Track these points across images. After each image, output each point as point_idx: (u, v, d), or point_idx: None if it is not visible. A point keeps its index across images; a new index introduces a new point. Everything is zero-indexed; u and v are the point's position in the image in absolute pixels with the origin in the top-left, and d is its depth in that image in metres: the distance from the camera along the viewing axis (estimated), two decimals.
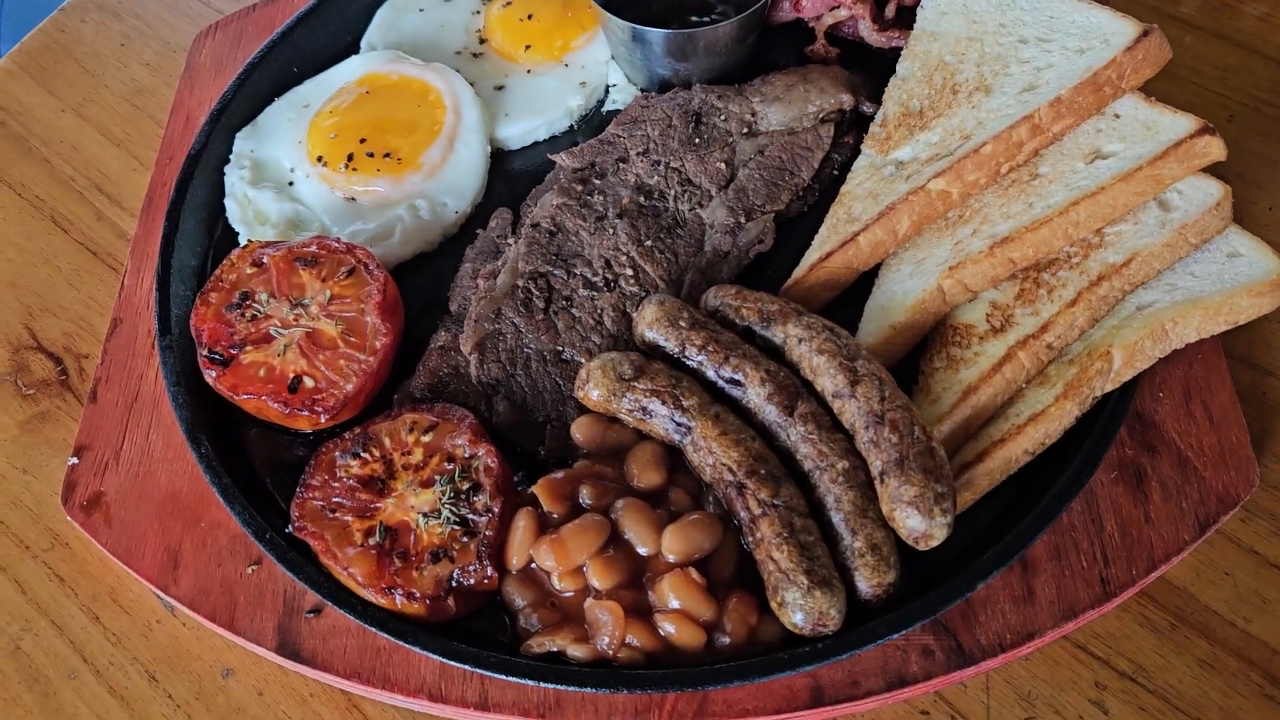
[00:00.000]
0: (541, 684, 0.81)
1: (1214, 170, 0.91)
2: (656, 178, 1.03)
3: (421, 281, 1.04)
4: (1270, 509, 0.91)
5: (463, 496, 0.87)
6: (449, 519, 0.86)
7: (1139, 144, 0.91)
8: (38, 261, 1.13)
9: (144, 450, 0.97)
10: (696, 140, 1.05)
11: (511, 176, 1.11)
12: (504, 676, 0.81)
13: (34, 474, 1.00)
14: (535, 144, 1.13)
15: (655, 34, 1.07)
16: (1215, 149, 0.89)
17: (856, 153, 1.06)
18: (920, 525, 0.81)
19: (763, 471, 0.85)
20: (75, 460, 0.97)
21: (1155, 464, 0.91)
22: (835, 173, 1.07)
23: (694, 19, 1.11)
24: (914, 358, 0.96)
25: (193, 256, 1.06)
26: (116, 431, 0.98)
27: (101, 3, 1.34)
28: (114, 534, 0.93)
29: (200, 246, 1.07)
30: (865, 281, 0.99)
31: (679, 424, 0.88)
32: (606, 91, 1.15)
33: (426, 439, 0.90)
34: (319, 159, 1.07)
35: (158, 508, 0.94)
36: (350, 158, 1.06)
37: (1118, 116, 0.94)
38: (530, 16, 1.15)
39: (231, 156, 1.10)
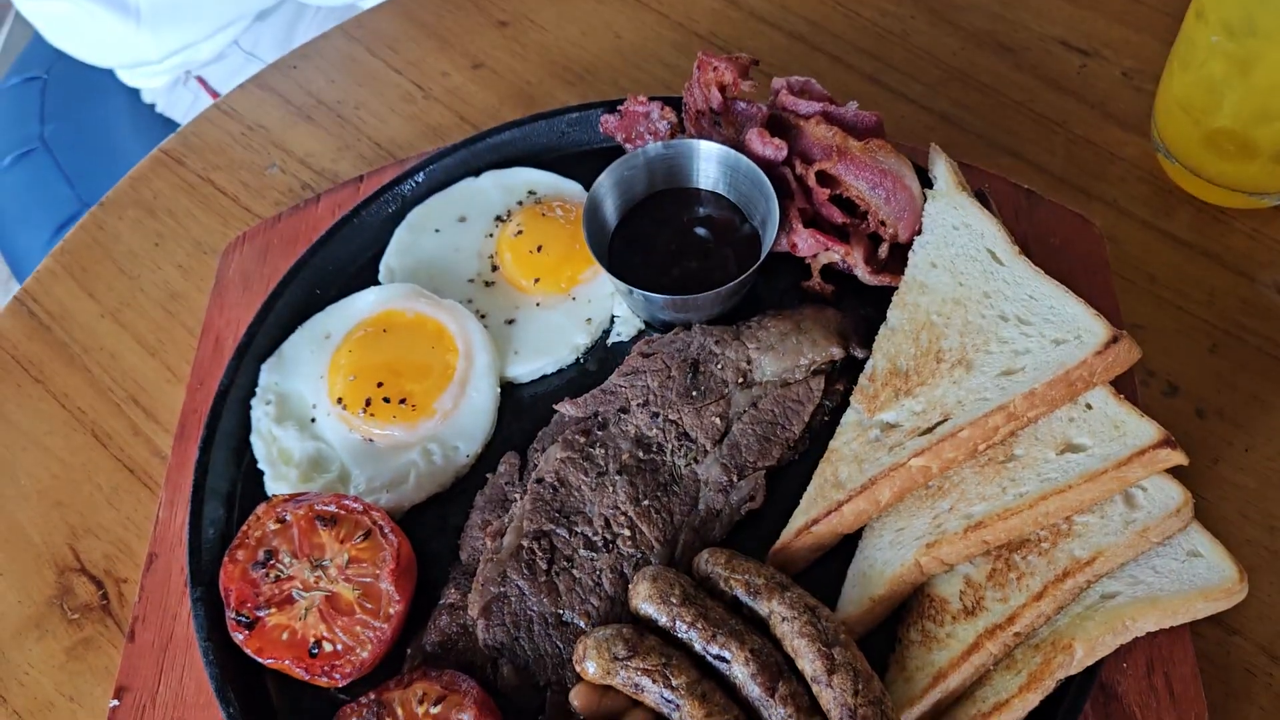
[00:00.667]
0: None
1: (1178, 472, 0.96)
2: (655, 430, 1.09)
3: (432, 524, 1.11)
4: None
5: None
6: None
7: (1107, 443, 0.96)
8: (80, 479, 1.21)
9: (178, 694, 1.05)
10: (694, 392, 1.10)
11: (521, 410, 1.17)
12: None
13: (79, 702, 1.09)
14: (544, 376, 1.19)
15: (655, 297, 1.12)
16: (1176, 457, 0.94)
17: (845, 402, 1.11)
18: None
19: None
20: (116, 703, 1.05)
21: None
22: (826, 419, 1.12)
23: (694, 264, 1.16)
24: (893, 621, 1.02)
25: (224, 483, 1.13)
26: (153, 674, 1.07)
27: (137, 198, 1.41)
28: None
29: (229, 478, 1.14)
30: (848, 540, 1.06)
31: (668, 700, 0.95)
32: (611, 322, 1.21)
33: (435, 710, 0.97)
34: (339, 400, 1.14)
35: None
36: (368, 403, 1.13)
37: (1089, 407, 0.99)
38: (540, 249, 1.20)
39: (258, 390, 1.17)
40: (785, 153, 1.15)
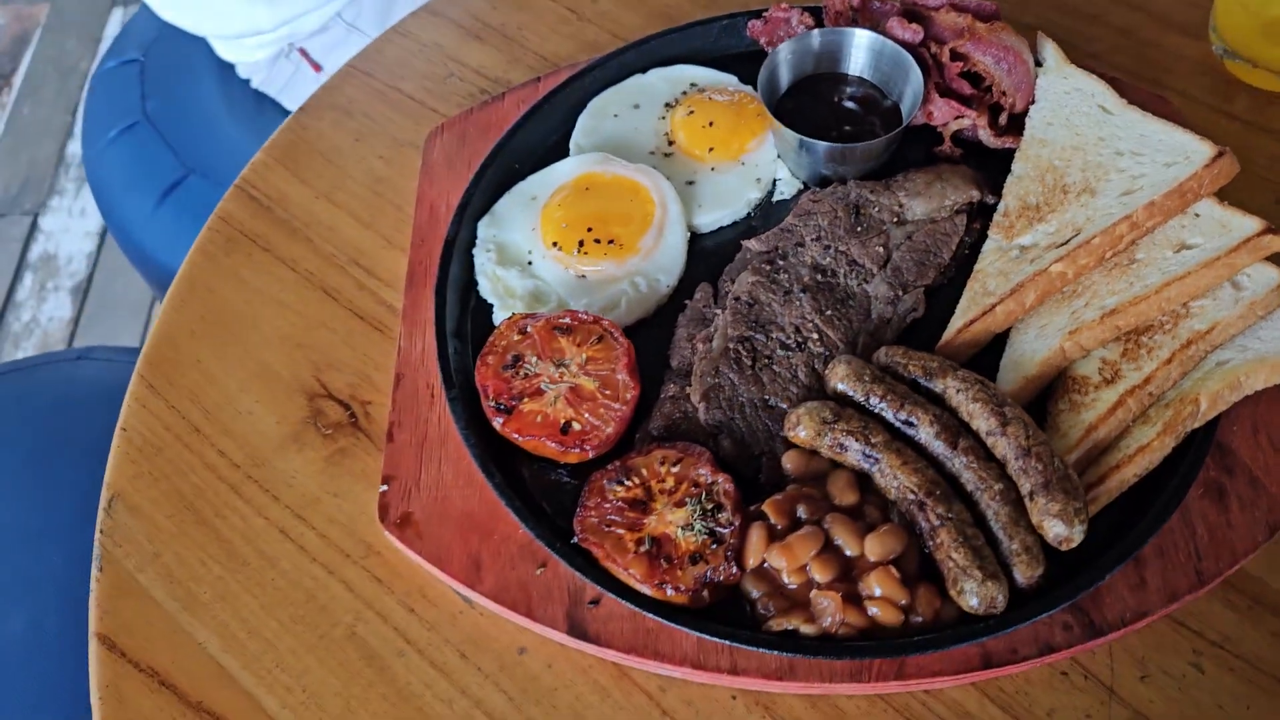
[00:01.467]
0: (781, 653, 1.08)
1: (1275, 258, 1.19)
2: (829, 259, 1.31)
3: (642, 343, 1.30)
4: None
5: (709, 513, 1.14)
6: (700, 531, 1.13)
7: (1216, 238, 1.19)
8: (315, 325, 1.40)
9: (438, 480, 1.24)
10: (858, 229, 1.32)
11: (705, 255, 1.37)
12: (752, 648, 1.08)
13: (343, 498, 1.27)
14: (721, 228, 1.40)
15: (819, 145, 1.34)
16: (1277, 244, 1.17)
17: (983, 237, 1.33)
18: (1064, 532, 1.08)
19: (938, 492, 1.13)
20: (385, 488, 1.24)
21: (1233, 483, 1.18)
22: (967, 253, 1.34)
23: (848, 128, 1.38)
24: (1040, 402, 1.23)
25: (453, 321, 1.33)
26: (414, 465, 1.25)
27: (333, 103, 1.61)
28: (426, 545, 1.20)
29: (459, 314, 1.34)
30: (998, 340, 1.27)
31: (868, 455, 1.16)
32: (774, 184, 1.43)
33: (675, 470, 1.17)
34: (554, 244, 1.34)
35: (457, 524, 1.21)
36: (581, 244, 1.33)
37: (1198, 215, 1.22)
38: (711, 123, 1.42)
39: (478, 241, 1.38)
40: (921, 35, 1.38)
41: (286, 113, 2.35)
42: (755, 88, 1.44)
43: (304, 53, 2.31)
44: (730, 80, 1.49)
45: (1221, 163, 1.20)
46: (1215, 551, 1.14)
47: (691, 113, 1.44)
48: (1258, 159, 1.46)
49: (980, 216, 1.36)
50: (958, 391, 1.18)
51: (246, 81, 2.40)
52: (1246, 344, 1.18)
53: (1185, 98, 1.52)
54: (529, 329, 1.26)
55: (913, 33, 1.37)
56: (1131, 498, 1.16)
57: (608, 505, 1.16)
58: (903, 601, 1.10)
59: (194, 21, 2.32)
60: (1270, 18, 1.44)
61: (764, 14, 1.49)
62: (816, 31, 1.40)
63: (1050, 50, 1.40)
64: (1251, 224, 1.18)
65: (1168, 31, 1.59)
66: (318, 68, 2.30)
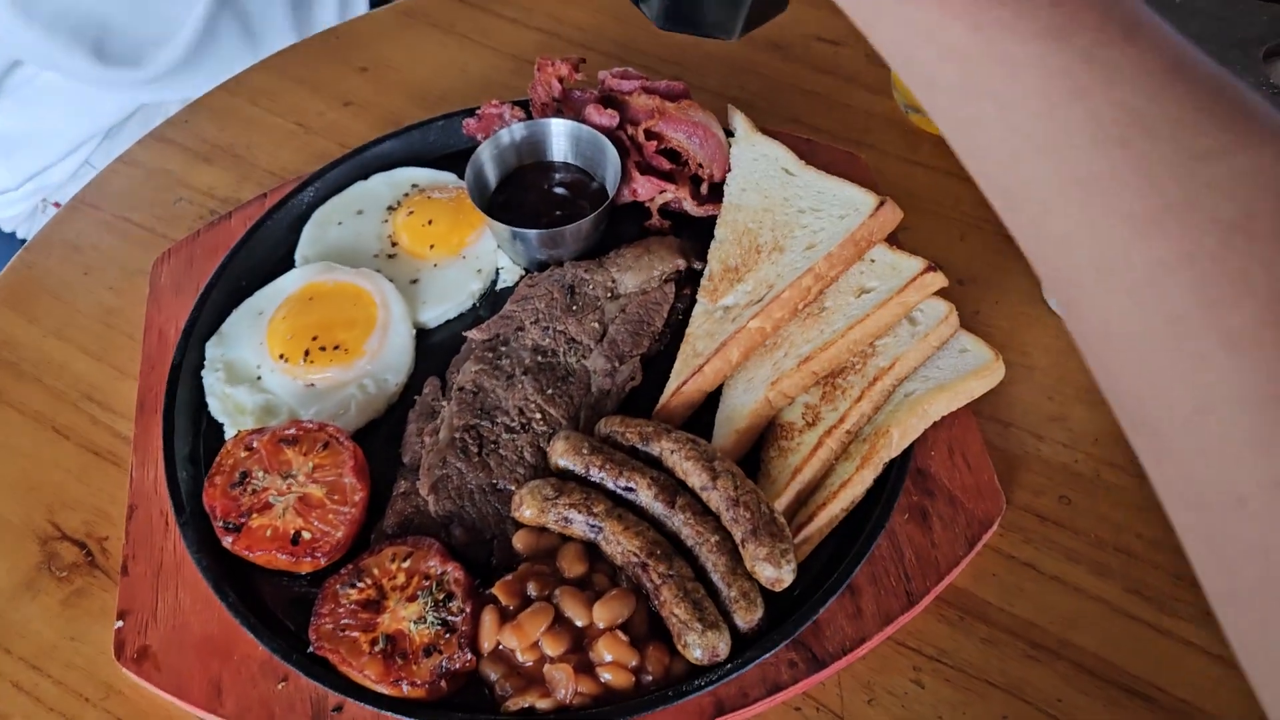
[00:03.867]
0: None
1: (944, 293, 1.30)
2: (548, 340, 1.36)
3: (375, 444, 1.32)
4: (1016, 524, 1.27)
5: (441, 604, 1.16)
6: (433, 622, 1.15)
7: (889, 280, 1.29)
8: (49, 466, 1.38)
9: (175, 608, 1.23)
10: (574, 307, 1.38)
11: (434, 350, 1.41)
12: None
13: (81, 640, 1.24)
14: (448, 321, 1.44)
15: (530, 233, 1.40)
16: (938, 280, 1.28)
17: (693, 301, 1.41)
18: (774, 574, 1.15)
19: (659, 552, 1.18)
20: (120, 623, 1.22)
21: (933, 504, 1.26)
22: (680, 318, 1.42)
23: (559, 213, 1.45)
24: (755, 451, 1.30)
25: (185, 445, 1.33)
26: (150, 596, 1.24)
27: (61, 239, 1.60)
28: (164, 676, 1.18)
29: (190, 437, 1.34)
30: (714, 398, 1.34)
31: (592, 525, 1.20)
32: (497, 273, 1.48)
33: (406, 565, 1.19)
34: (280, 356, 1.36)
35: (196, 650, 1.19)
36: (307, 353, 1.35)
37: (873, 261, 1.32)
38: (430, 222, 1.47)
39: (206, 362, 1.38)
40: (617, 120, 1.46)
41: None
42: None
43: (58, 205, 2.27)
44: (449, 178, 1.55)
45: (884, 211, 1.31)
46: (923, 571, 1.22)
47: (411, 213, 1.48)
48: (944, 200, 1.58)
49: (690, 283, 1.44)
50: (672, 452, 1.24)
51: (12, 234, 2.35)
52: (928, 374, 1.28)
53: (877, 151, 1.65)
54: (255, 444, 1.27)
55: (608, 118, 1.46)
56: (842, 532, 1.24)
57: (341, 609, 1.17)
58: (633, 663, 1.13)
59: None
60: None
61: (477, 111, 1.56)
62: (516, 125, 1.47)
63: (739, 120, 1.50)
64: (916, 264, 1.28)
65: (857, 90, 1.73)
66: None
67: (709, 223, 1.46)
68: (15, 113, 2.12)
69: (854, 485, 1.22)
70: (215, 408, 1.35)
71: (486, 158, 1.46)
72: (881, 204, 1.31)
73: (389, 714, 1.12)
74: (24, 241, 2.28)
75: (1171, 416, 0.51)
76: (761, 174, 1.44)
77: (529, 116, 1.54)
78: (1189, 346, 0.49)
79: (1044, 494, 1.29)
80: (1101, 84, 0.47)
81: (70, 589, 1.28)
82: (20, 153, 2.15)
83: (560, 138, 1.48)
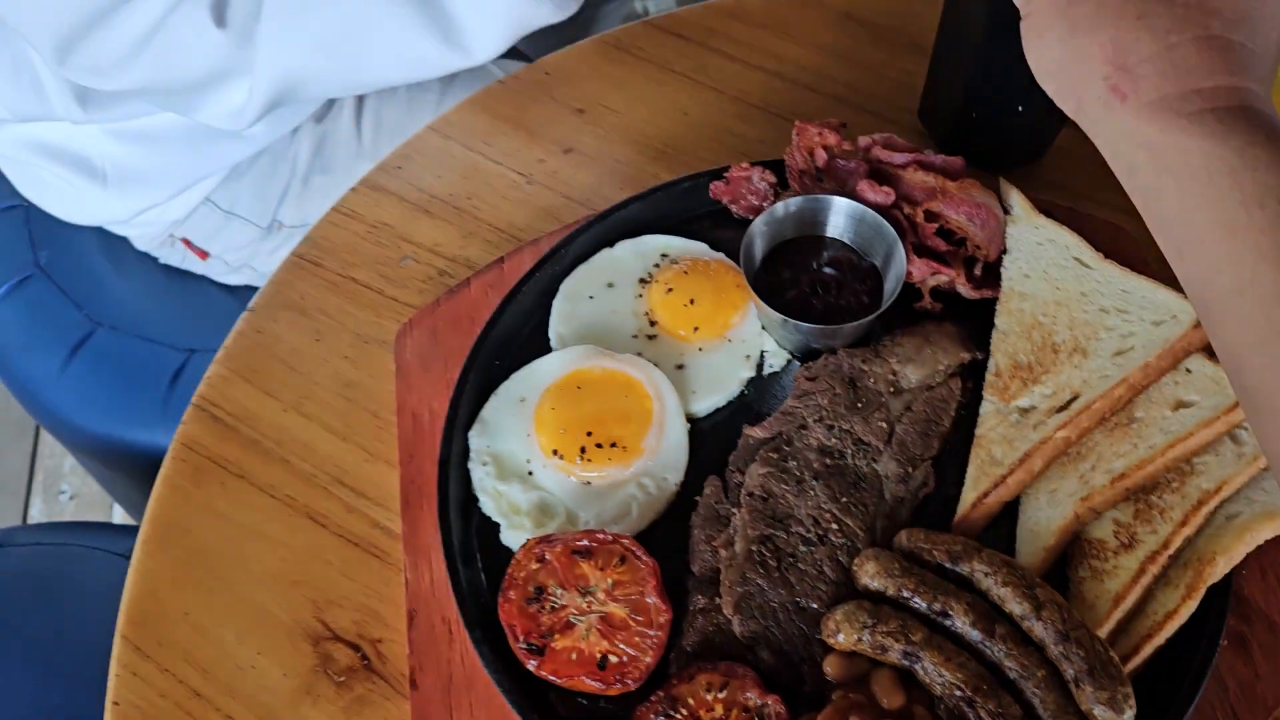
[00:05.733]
0: None
1: None
2: (834, 439, 1.30)
3: (653, 545, 1.27)
4: None
5: None
6: None
7: (1212, 396, 1.22)
8: (309, 558, 1.33)
9: None
10: (858, 404, 1.32)
11: (704, 440, 1.35)
12: None
13: None
14: (717, 409, 1.38)
15: (805, 326, 1.34)
16: None
17: (974, 397, 1.34)
18: (1114, 718, 1.10)
19: (985, 687, 1.13)
20: None
21: (1252, 631, 1.22)
22: (963, 413, 1.35)
23: (830, 296, 1.38)
24: (1058, 567, 1.25)
25: (461, 547, 1.28)
26: (443, 713, 1.20)
27: (285, 300, 1.53)
28: None
29: (463, 536, 1.29)
30: (1007, 507, 1.28)
31: (909, 654, 1.16)
32: (762, 357, 1.41)
33: (722, 695, 1.15)
34: (554, 452, 1.30)
35: None
36: (583, 450, 1.29)
37: (1189, 371, 1.26)
38: (693, 301, 1.40)
39: (472, 454, 1.33)
40: (893, 197, 1.38)
41: (187, 273, 2.25)
42: (724, 252, 1.43)
43: (187, 242, 2.20)
44: (701, 249, 1.48)
45: None
46: (1249, 706, 1.18)
47: (671, 291, 1.41)
48: None
49: (969, 376, 1.37)
50: (986, 575, 1.18)
51: (145, 253, 2.28)
52: (1252, 496, 1.22)
53: (1135, 217, 1.56)
54: (547, 556, 1.22)
55: (884, 195, 1.38)
56: (1152, 661, 1.19)
57: None
58: None
59: (50, 204, 2.17)
60: None
61: (725, 174, 1.48)
62: (794, 200, 1.39)
63: (1015, 198, 1.42)
64: None
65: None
66: (203, 254, 2.19)
67: (981, 307, 1.39)
68: (131, 145, 2.02)
69: (1180, 616, 1.17)
70: (488, 506, 1.30)
71: (758, 234, 1.38)
72: None
73: None
74: (159, 263, 2.23)
75: None
76: (1049, 261, 1.36)
77: (780, 180, 1.47)
78: None
79: None
80: (1249, 169, 0.71)
81: (351, 696, 1.25)
82: (134, 186, 2.06)
83: (839, 215, 1.40)
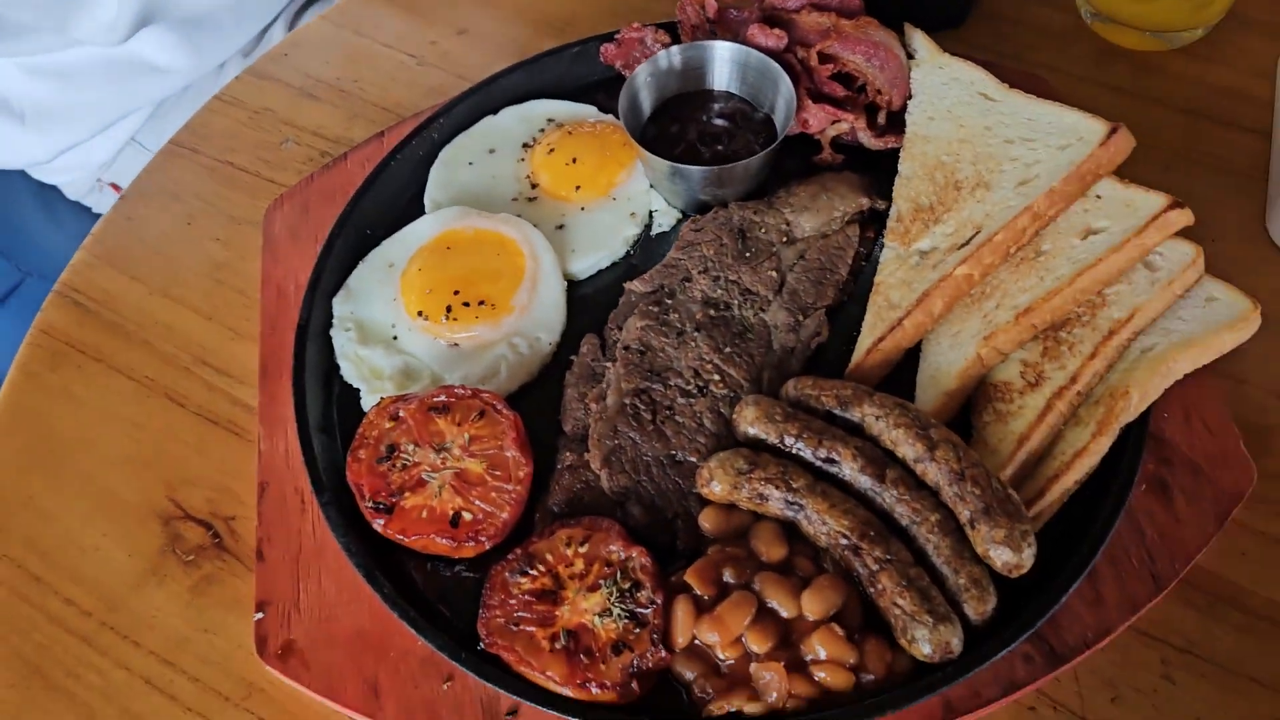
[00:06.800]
0: None
1: (1185, 233, 1.13)
2: (720, 291, 1.20)
3: (528, 409, 1.17)
4: (1268, 495, 1.11)
5: (627, 594, 1.02)
6: (620, 615, 1.01)
7: (1123, 220, 1.12)
8: (164, 439, 1.24)
9: (319, 598, 1.10)
10: (747, 254, 1.22)
11: (586, 303, 1.26)
12: None
13: (216, 632, 1.12)
14: (600, 271, 1.28)
15: (694, 170, 1.24)
16: (1183, 218, 1.10)
17: (878, 246, 1.24)
18: (1013, 559, 0.99)
19: (872, 533, 1.03)
20: (260, 615, 1.09)
21: (1173, 475, 1.10)
22: (864, 264, 1.25)
23: (720, 148, 1.29)
24: (962, 415, 1.15)
25: (319, 416, 1.19)
26: (290, 584, 1.11)
27: (159, 187, 1.45)
28: (314, 675, 1.05)
29: (323, 404, 1.20)
30: (909, 356, 1.18)
31: (792, 502, 1.05)
32: (650, 217, 1.32)
33: (584, 549, 1.05)
34: (419, 314, 1.21)
35: (347, 646, 1.06)
36: (449, 309, 1.20)
37: (1099, 197, 1.15)
38: (575, 160, 1.31)
39: (334, 320, 1.24)
40: (786, 41, 1.29)
41: None
42: (617, 116, 1.34)
43: (115, 187, 2.11)
44: (589, 111, 1.39)
45: (1116, 139, 1.13)
46: (1168, 551, 1.06)
47: (552, 151, 1.32)
48: (1142, 126, 1.39)
49: (872, 224, 1.27)
50: (877, 419, 1.08)
51: (76, 203, 2.20)
52: (1169, 326, 1.11)
53: (1059, 73, 1.46)
54: (401, 414, 1.12)
55: (776, 38, 1.28)
56: (1066, 505, 1.08)
57: (513, 601, 1.03)
58: (851, 661, 0.99)
59: None
60: None
61: (616, 36, 1.39)
62: (675, 48, 1.30)
63: (920, 41, 1.32)
64: (1157, 200, 1.11)
65: (1028, 3, 1.54)
66: None
67: (887, 157, 1.30)
68: (48, 82, 1.94)
69: (1090, 454, 1.06)
70: (349, 372, 1.21)
71: (641, 85, 1.29)
72: (1113, 131, 1.13)
73: (574, 719, 0.98)
74: (92, 212, 2.15)
75: None
76: (954, 100, 1.26)
77: (675, 41, 1.37)
78: None
79: None
80: None
81: (199, 574, 1.15)
82: (55, 125, 1.97)
83: (724, 63, 1.31)
